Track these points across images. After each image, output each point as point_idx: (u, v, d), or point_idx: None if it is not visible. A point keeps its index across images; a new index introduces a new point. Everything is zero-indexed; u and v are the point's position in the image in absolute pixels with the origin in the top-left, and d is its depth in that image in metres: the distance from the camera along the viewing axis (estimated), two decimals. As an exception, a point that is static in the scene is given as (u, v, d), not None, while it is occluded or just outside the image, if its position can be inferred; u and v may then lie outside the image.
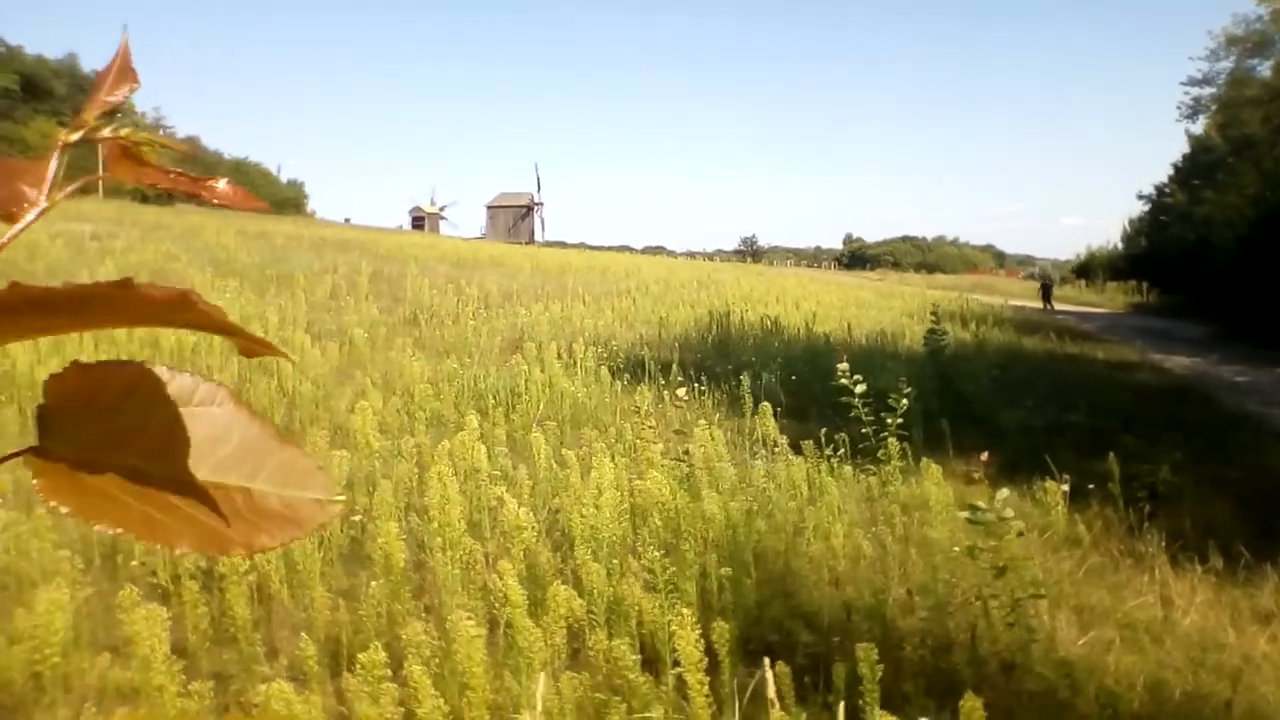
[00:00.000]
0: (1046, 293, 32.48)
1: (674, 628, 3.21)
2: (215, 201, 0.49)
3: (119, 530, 0.41)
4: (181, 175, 0.46)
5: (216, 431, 0.45)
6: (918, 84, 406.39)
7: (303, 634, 3.65)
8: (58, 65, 60.91)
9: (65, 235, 18.91)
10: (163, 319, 0.40)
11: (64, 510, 0.41)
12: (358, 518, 5.48)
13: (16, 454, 0.43)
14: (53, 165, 0.44)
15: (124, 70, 0.48)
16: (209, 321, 0.39)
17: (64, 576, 4.08)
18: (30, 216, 0.43)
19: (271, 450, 0.45)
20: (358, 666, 3.00)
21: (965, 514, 4.62)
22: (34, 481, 0.41)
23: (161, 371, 0.45)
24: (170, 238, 22.36)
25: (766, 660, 2.94)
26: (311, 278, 17.05)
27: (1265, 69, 29.64)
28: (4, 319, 0.39)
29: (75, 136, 0.45)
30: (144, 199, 49.43)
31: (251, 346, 0.43)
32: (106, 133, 0.46)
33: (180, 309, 0.38)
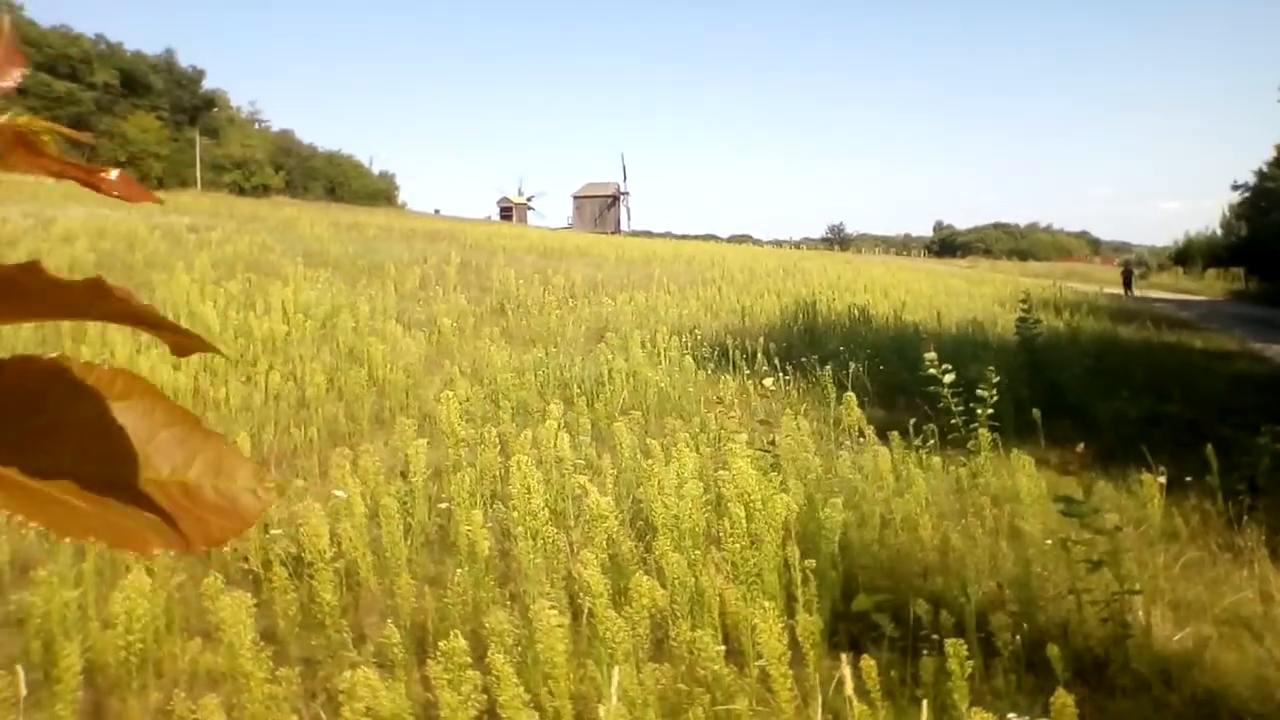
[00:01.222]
0: (1128, 280, 34.09)
1: (757, 620, 3.18)
2: (115, 194, 0.46)
3: (90, 540, 0.40)
4: (73, 165, 0.43)
5: (143, 424, 0.44)
6: (1008, 67, 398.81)
7: (388, 621, 3.69)
8: (155, 60, 62.50)
9: (164, 227, 19.36)
10: (76, 310, 0.38)
11: (31, 525, 0.39)
12: (444, 505, 5.53)
13: None
14: None
15: (10, 55, 0.44)
16: (127, 312, 0.37)
17: (155, 562, 4.18)
18: None
19: (200, 442, 0.45)
20: (439, 654, 3.01)
21: (1059, 506, 4.51)
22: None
23: (76, 364, 0.44)
24: (265, 229, 22.76)
25: (845, 657, 2.90)
26: (401, 268, 17.27)
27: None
28: None
29: None
30: (240, 191, 50.48)
31: (181, 342, 0.41)
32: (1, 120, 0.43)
33: (94, 297, 0.36)
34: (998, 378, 6.99)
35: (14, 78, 0.44)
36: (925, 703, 2.99)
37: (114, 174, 0.44)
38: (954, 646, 3.16)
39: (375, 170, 76.02)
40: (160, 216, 21.67)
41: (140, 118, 53.80)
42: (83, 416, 0.43)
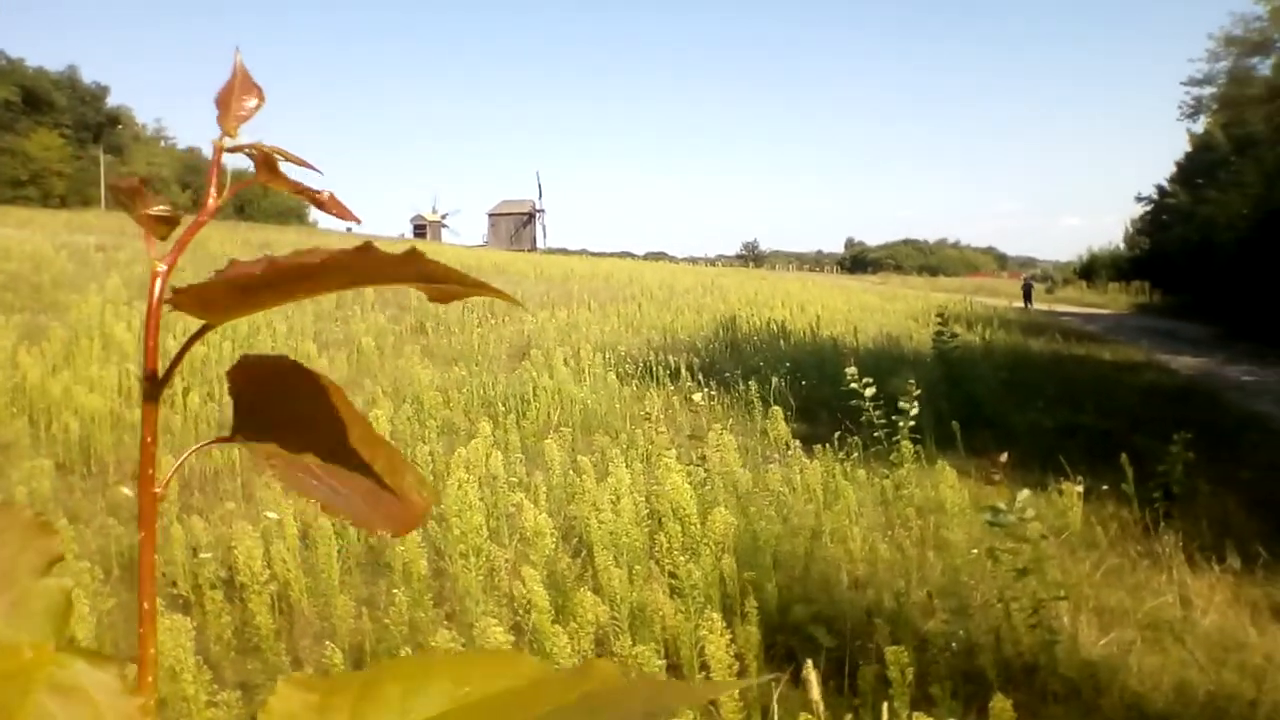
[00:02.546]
0: (1027, 295, 35.34)
1: (704, 633, 3.21)
2: (332, 212, 0.51)
3: (321, 505, 0.47)
4: (302, 186, 0.48)
5: (340, 422, 0.49)
6: (915, 85, 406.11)
7: (328, 643, 3.65)
8: (58, 77, 61.09)
9: (70, 247, 18.92)
10: (396, 276, 0.42)
11: (281, 485, 0.48)
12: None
13: (224, 439, 0.48)
14: (216, 171, 0.47)
15: (246, 85, 0.50)
16: (438, 274, 0.41)
17: (84, 588, 4.08)
18: (202, 216, 0.46)
19: (379, 444, 0.50)
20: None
21: (986, 516, 4.61)
22: (253, 459, 0.47)
23: (296, 361, 0.50)
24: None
25: (810, 662, 2.94)
26: (317, 287, 17.04)
27: (1265, 68, 29.71)
28: (263, 289, 0.42)
29: (230, 144, 0.48)
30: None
31: (496, 295, 0.45)
32: (251, 144, 0.48)
33: (408, 264, 0.40)
34: (918, 390, 7.13)
35: (249, 107, 0.50)
36: (883, 709, 3.04)
37: (327, 194, 0.48)
38: (894, 654, 3.21)
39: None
40: (66, 235, 21.18)
41: (43, 135, 52.52)
42: (314, 406, 0.49)
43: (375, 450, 0.49)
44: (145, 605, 0.45)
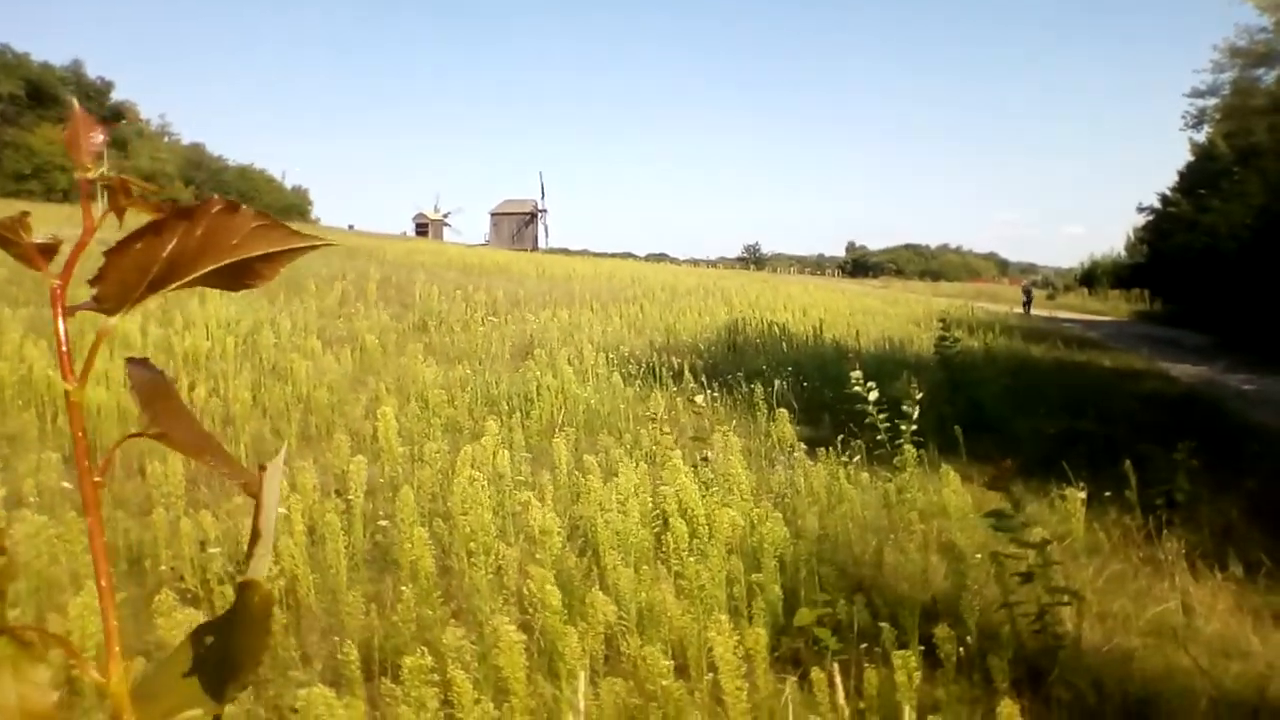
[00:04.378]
0: (1027, 301, 36.28)
1: (712, 634, 3.23)
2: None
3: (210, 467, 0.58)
4: (158, 204, 0.56)
5: (187, 413, 0.59)
6: (919, 91, 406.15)
7: (338, 639, 3.67)
8: (63, 72, 61.09)
9: (73, 240, 18.83)
10: (237, 229, 0.55)
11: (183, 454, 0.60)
12: (384, 523, 5.50)
13: (145, 433, 0.56)
14: (85, 199, 0.56)
15: (88, 124, 0.57)
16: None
17: (93, 581, 4.10)
18: (84, 238, 0.54)
19: (207, 434, 0.59)
20: (404, 671, 3.01)
21: (990, 520, 4.64)
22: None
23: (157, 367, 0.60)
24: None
25: (836, 666, 2.96)
26: (321, 284, 17.07)
27: (1270, 78, 29.70)
28: (139, 277, 0.54)
29: (92, 176, 0.55)
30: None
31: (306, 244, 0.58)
32: (110, 174, 0.56)
33: (245, 217, 0.55)
34: (920, 394, 7.16)
35: (99, 141, 0.56)
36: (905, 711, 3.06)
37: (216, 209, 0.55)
38: (902, 658, 3.23)
39: (288, 184, 75.14)
40: (70, 229, 21.09)
41: (47, 130, 52.46)
42: (176, 406, 0.58)
43: (207, 434, 0.58)
44: (102, 583, 0.54)
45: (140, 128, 68.04)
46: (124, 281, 0.53)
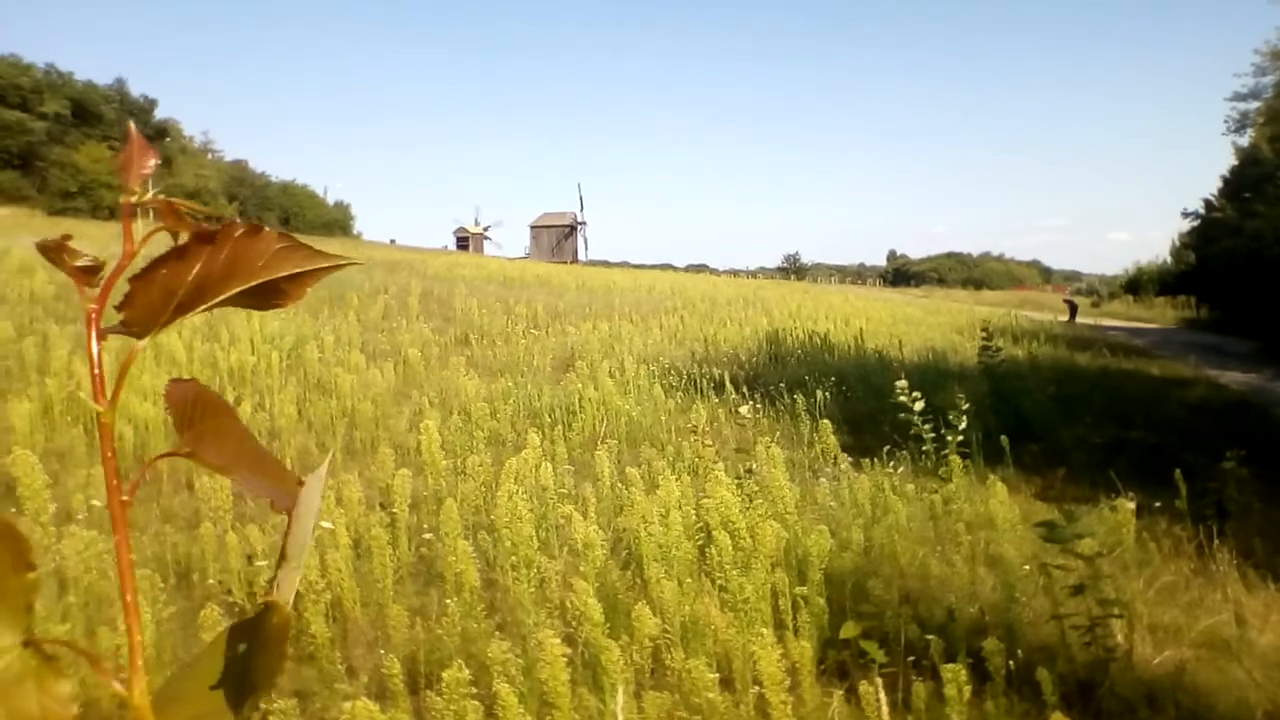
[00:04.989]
0: (1072, 312, 35.13)
1: (756, 647, 3.21)
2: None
3: (247, 491, 0.62)
4: (200, 226, 0.56)
5: (240, 432, 0.59)
6: (962, 98, 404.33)
7: (382, 652, 3.68)
8: (107, 90, 61.92)
9: (118, 257, 19.11)
10: (262, 252, 0.56)
11: (223, 477, 0.61)
12: (428, 535, 5.52)
13: (175, 453, 0.57)
14: (128, 222, 0.56)
15: (143, 149, 0.58)
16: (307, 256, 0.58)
17: (143, 594, 4.14)
18: (123, 261, 0.54)
19: (259, 446, 0.60)
20: (442, 684, 3.01)
21: (1040, 531, 4.58)
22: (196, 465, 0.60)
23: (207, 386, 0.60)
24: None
25: (878, 682, 2.93)
26: (364, 299, 17.18)
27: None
28: (166, 300, 0.55)
29: (134, 199, 0.57)
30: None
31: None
32: (153, 197, 0.57)
33: (268, 239, 0.56)
34: (966, 405, 7.09)
35: (150, 166, 0.57)
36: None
37: (213, 226, 0.56)
38: (951, 672, 3.20)
39: (330, 200, 75.57)
40: (115, 246, 21.32)
41: (92, 148, 53.14)
42: (221, 421, 0.58)
43: (259, 451, 0.59)
44: (128, 598, 0.54)
45: (184, 145, 68.80)
46: (151, 305, 0.54)
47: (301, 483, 0.59)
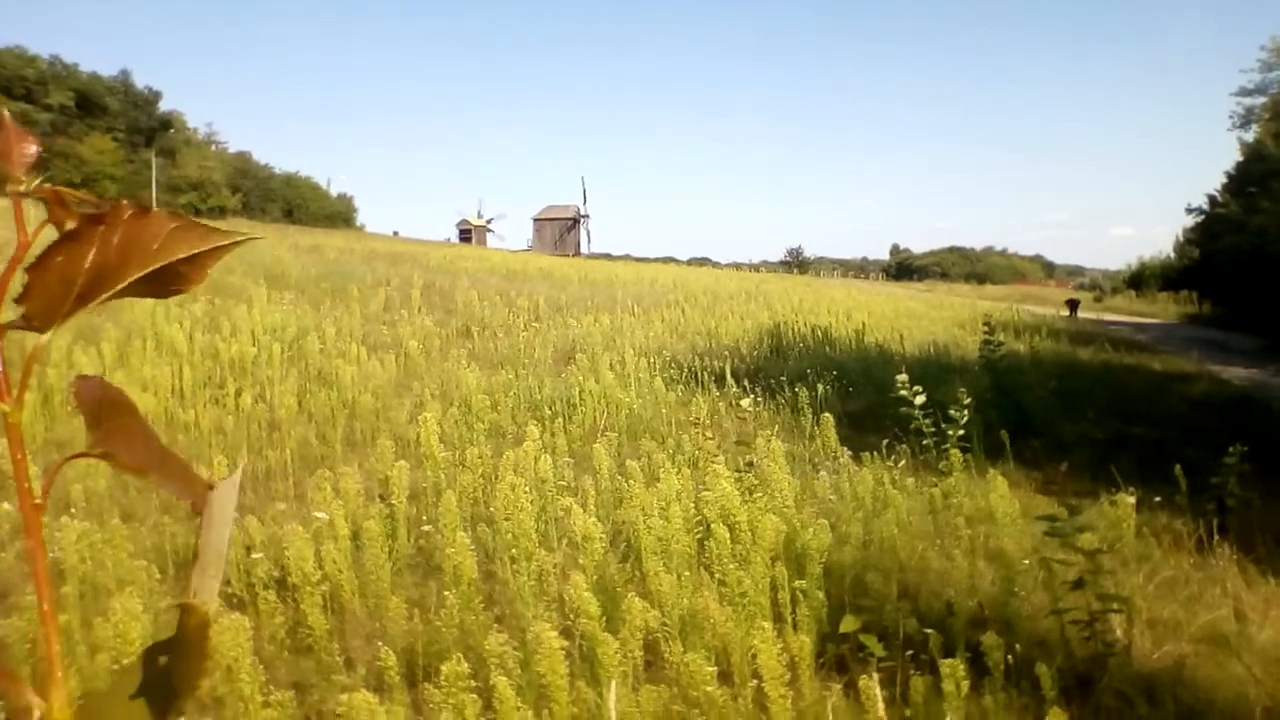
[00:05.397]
0: (1073, 310, 35.26)
1: (755, 641, 3.20)
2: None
3: (158, 488, 0.57)
4: (89, 214, 0.54)
5: (146, 431, 0.58)
6: (966, 95, 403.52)
7: (380, 644, 3.67)
8: (111, 82, 61.87)
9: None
10: (156, 233, 0.54)
11: (131, 475, 0.57)
12: (427, 528, 5.51)
13: (88, 454, 0.55)
14: (19, 212, 0.54)
15: (20, 136, 0.56)
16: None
17: (139, 586, 4.14)
18: (19, 252, 0.52)
19: (164, 446, 0.58)
20: (441, 677, 3.00)
21: (1042, 526, 4.58)
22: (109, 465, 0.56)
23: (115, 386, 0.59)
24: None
25: (876, 677, 2.92)
26: (365, 290, 17.19)
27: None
28: (66, 290, 0.52)
29: (21, 189, 0.54)
30: (197, 213, 49.98)
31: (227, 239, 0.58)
32: (45, 186, 0.55)
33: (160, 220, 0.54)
34: (967, 399, 7.08)
35: (32, 153, 0.56)
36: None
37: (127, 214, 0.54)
38: (950, 667, 3.19)
39: (333, 192, 75.53)
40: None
41: (96, 139, 53.20)
42: (129, 420, 0.57)
43: (166, 452, 0.57)
44: (45, 607, 0.52)
45: (188, 137, 68.77)
46: (50, 297, 0.52)
47: (211, 486, 0.58)
